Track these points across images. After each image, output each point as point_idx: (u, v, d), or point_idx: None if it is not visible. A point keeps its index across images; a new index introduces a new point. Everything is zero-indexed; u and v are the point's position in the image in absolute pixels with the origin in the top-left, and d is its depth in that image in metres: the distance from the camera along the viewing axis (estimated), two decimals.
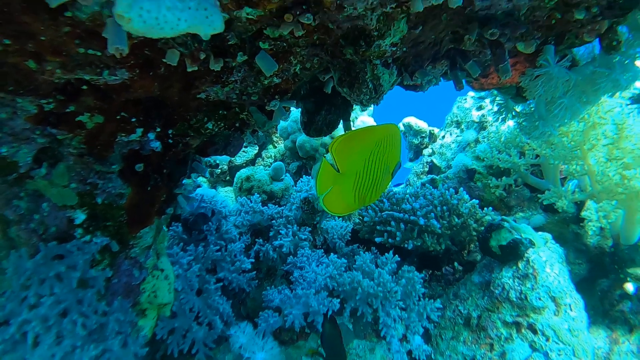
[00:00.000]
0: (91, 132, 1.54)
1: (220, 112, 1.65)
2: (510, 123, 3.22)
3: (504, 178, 3.00)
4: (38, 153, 1.55)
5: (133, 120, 1.55)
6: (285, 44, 1.34)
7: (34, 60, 1.17)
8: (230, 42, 1.20)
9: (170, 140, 1.73)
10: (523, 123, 1.91)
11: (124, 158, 1.69)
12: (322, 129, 2.08)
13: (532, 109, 1.92)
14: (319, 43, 1.37)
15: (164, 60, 1.20)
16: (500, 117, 2.02)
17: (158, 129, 1.65)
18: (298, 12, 1.05)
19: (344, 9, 1.16)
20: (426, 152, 4.27)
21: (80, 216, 1.65)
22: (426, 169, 4.05)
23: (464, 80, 1.93)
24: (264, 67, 1.25)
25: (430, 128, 4.50)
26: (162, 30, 0.61)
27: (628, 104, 2.25)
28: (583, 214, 2.31)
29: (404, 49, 1.47)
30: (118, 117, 1.53)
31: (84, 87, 1.39)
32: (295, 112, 3.64)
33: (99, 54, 1.17)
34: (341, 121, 2.14)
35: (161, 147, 1.71)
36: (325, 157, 1.60)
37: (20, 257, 1.62)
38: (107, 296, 1.77)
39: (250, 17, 1.08)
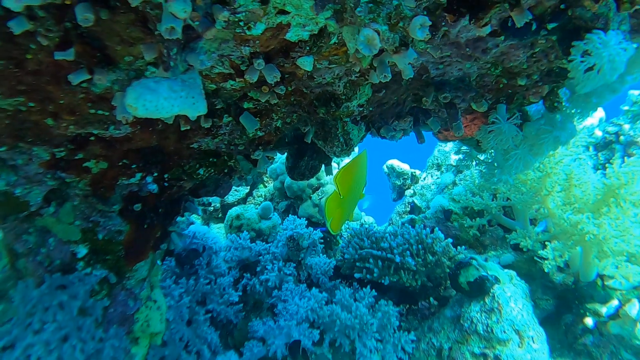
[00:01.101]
0: (96, 176, 1.74)
1: (211, 159, 1.86)
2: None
3: (477, 219, 3.21)
4: (48, 194, 1.74)
5: (133, 166, 1.75)
6: (267, 104, 1.56)
7: (52, 118, 1.38)
8: (217, 107, 1.42)
9: (166, 184, 1.92)
10: (484, 170, 2.13)
11: (124, 199, 1.88)
12: (305, 173, 2.27)
13: (493, 157, 2.14)
14: (296, 103, 1.59)
15: (160, 118, 1.42)
16: (465, 164, 2.24)
17: (155, 174, 1.85)
18: (273, 84, 1.28)
19: (314, 78, 1.38)
20: (408, 192, 4.50)
21: (82, 250, 1.82)
22: (408, 209, 4.26)
23: (430, 133, 2.16)
24: (247, 126, 1.47)
25: (412, 170, 4.73)
26: (159, 114, 0.83)
27: (580, 153, 2.49)
28: (541, 252, 2.50)
29: (370, 109, 1.70)
30: (120, 163, 1.73)
31: (92, 137, 1.59)
32: (284, 155, 3.86)
33: (107, 113, 1.38)
34: (323, 165, 2.34)
35: (158, 189, 1.91)
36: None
37: (27, 287, 1.79)
38: (103, 324, 1.93)
39: (234, 87, 1.30)
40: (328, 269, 3.02)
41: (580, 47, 1.09)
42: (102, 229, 1.85)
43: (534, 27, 1.17)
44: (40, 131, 1.47)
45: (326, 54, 1.16)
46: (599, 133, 3.95)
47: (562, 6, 1.11)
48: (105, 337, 1.91)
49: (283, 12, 0.90)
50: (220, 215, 4.07)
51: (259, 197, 4.12)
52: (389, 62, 1.09)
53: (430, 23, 0.71)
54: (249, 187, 4.18)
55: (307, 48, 1.06)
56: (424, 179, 4.48)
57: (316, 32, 1.01)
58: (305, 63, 1.08)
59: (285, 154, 2.34)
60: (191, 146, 1.77)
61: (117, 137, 1.58)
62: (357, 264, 2.84)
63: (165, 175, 1.90)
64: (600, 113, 4.07)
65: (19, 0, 0.78)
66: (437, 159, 4.40)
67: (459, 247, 2.94)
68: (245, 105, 1.53)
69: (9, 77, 1.11)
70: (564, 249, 2.36)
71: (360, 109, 1.61)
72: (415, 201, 4.15)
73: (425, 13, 0.73)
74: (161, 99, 0.81)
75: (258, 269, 2.89)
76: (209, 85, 1.29)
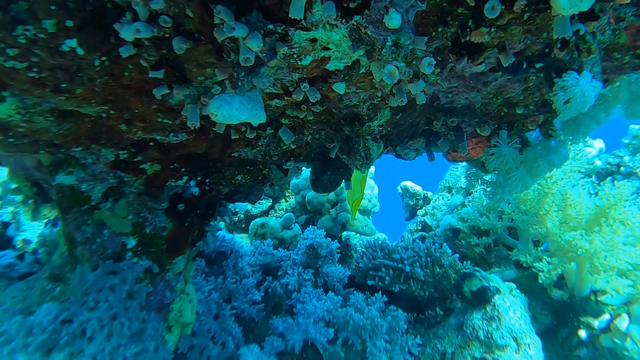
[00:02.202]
0: (149, 177, 2.02)
1: (248, 167, 2.14)
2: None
3: (483, 237, 3.45)
4: (107, 190, 2.02)
5: (182, 170, 2.03)
6: (300, 121, 1.85)
7: (126, 124, 1.67)
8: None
9: (206, 187, 2.20)
10: (488, 189, 2.39)
11: (170, 198, 2.15)
12: (327, 186, 2.54)
13: (497, 178, 2.40)
14: (325, 121, 1.88)
15: (214, 129, 1.71)
16: (472, 183, 2.50)
17: (199, 178, 2.13)
18: (310, 104, 1.56)
19: (343, 101, 1.66)
20: (420, 212, 4.75)
21: (131, 242, 2.09)
22: (419, 227, 4.51)
23: (441, 153, 2.43)
24: (284, 138, 1.75)
25: (425, 192, 5.00)
26: (231, 120, 1.11)
27: (582, 177, 2.75)
28: (537, 264, 2.74)
29: (389, 129, 1.97)
30: (171, 167, 2.01)
31: (151, 143, 1.88)
32: (306, 171, 4.15)
33: (170, 122, 1.68)
34: (343, 180, 2.61)
35: (199, 192, 2.18)
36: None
37: (84, 271, 2.05)
38: (146, 308, 2.19)
39: (277, 105, 1.59)
40: (343, 277, 3.28)
41: (559, 83, 1.36)
42: (150, 224, 2.11)
43: (524, 65, 1.44)
44: (113, 135, 1.76)
45: (355, 81, 1.44)
46: (598, 162, 4.22)
47: (546, 50, 1.39)
48: (147, 318, 2.16)
49: (326, 48, 1.19)
50: (244, 225, 4.37)
51: (280, 210, 4.41)
52: (405, 90, 1.37)
53: (435, 62, 1.00)
54: (271, 201, 4.48)
55: (342, 76, 1.35)
56: (436, 200, 4.74)
57: (349, 64, 1.29)
58: (339, 87, 1.37)
59: (310, 169, 2.62)
60: (232, 155, 2.06)
61: (173, 143, 1.86)
62: (371, 272, 3.10)
63: (207, 180, 2.18)
64: (600, 144, 4.34)
65: (137, 33, 1.07)
66: (448, 182, 4.67)
67: (465, 263, 3.18)
68: (283, 121, 1.81)
69: (106, 90, 1.41)
70: (559, 263, 2.60)
71: (380, 128, 1.89)
72: (427, 220, 4.41)
73: (432, 54, 1.01)
74: (234, 110, 1.09)
75: (279, 273, 3.16)
76: None
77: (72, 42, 1.20)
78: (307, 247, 3.19)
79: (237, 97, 1.11)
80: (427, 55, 0.99)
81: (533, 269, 2.96)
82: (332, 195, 4.06)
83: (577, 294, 2.80)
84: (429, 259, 3.06)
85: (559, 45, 1.22)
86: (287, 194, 4.54)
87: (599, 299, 2.76)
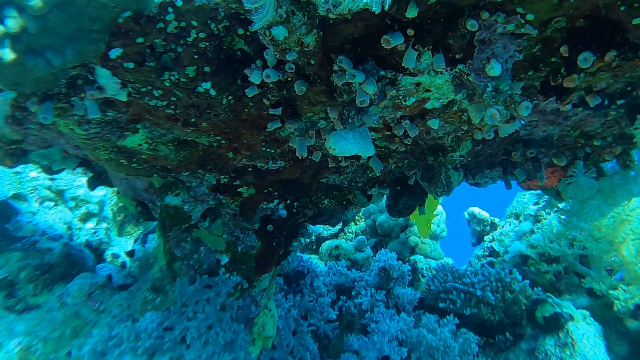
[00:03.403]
0: (245, 199, 2.22)
1: (334, 192, 2.31)
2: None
3: (553, 265, 3.47)
4: (205, 211, 2.23)
5: (275, 193, 2.22)
6: (387, 150, 2.00)
7: (233, 152, 1.88)
8: None
9: (294, 210, 2.37)
10: (562, 217, 2.46)
11: (261, 219, 2.33)
12: (403, 211, 2.66)
13: (571, 206, 2.46)
14: (410, 151, 2.02)
15: (310, 157, 1.89)
16: (545, 211, 2.58)
17: (288, 201, 2.31)
18: (403, 137, 1.72)
19: (430, 133, 1.81)
20: (487, 238, 4.78)
21: (225, 259, 2.27)
22: (486, 253, 4.54)
23: (515, 182, 2.52)
24: (375, 167, 1.90)
25: (492, 218, 5.03)
26: (345, 154, 1.29)
27: None
28: (611, 292, 2.74)
29: (469, 159, 2.10)
30: (265, 191, 2.20)
31: (249, 169, 2.07)
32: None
33: (272, 151, 1.87)
34: (417, 206, 2.73)
35: (286, 214, 2.36)
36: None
37: (183, 284, 2.25)
38: (235, 321, 2.36)
39: (372, 137, 1.76)
40: (413, 299, 3.38)
41: None
42: (241, 243, 2.30)
43: (606, 102, 1.55)
44: (220, 162, 1.97)
45: (446, 117, 1.59)
46: None
47: (628, 88, 1.49)
48: (237, 330, 2.34)
49: (428, 90, 1.34)
50: (314, 247, 4.55)
51: (350, 233, 4.58)
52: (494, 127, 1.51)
53: (532, 106, 1.13)
54: (341, 224, 4.65)
55: (437, 113, 1.50)
56: (503, 226, 4.76)
57: (445, 103, 1.44)
58: (434, 124, 1.52)
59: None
60: (321, 180, 2.23)
61: (270, 170, 2.05)
62: (442, 295, 3.19)
63: (295, 203, 2.35)
64: None
65: (267, 77, 1.27)
66: (515, 209, 4.68)
67: (535, 289, 3.22)
68: None
69: (226, 123, 1.62)
70: (636, 292, 2.61)
71: (462, 158, 2.02)
72: (494, 246, 4.44)
73: (521, 88, 1.15)
74: (348, 144, 1.27)
75: (353, 293, 3.30)
76: None
77: (207, 85, 1.41)
78: (380, 269, 3.32)
79: (350, 133, 1.28)
80: (525, 100, 1.13)
81: (607, 298, 2.96)
82: (401, 219, 4.18)
83: None
84: (499, 284, 3.13)
85: None
86: (357, 217, 4.71)
87: None
